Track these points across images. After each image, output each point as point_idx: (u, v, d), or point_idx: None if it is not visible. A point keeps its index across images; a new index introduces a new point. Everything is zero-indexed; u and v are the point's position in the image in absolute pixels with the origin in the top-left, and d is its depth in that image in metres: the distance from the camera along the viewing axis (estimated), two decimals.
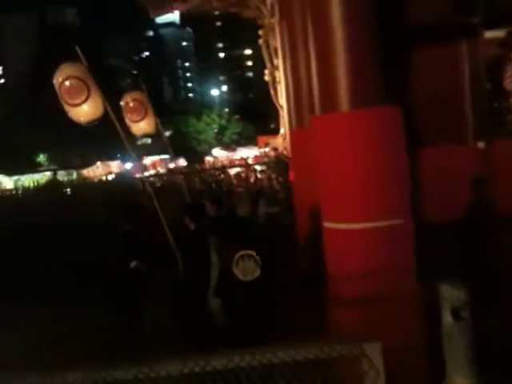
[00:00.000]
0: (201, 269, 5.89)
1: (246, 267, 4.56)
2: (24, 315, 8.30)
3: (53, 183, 23.73)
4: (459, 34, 6.70)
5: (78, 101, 6.61)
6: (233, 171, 21.24)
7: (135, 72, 77.26)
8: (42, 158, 49.30)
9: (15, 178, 36.42)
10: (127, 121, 8.37)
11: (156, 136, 10.22)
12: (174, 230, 6.97)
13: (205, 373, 2.06)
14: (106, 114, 6.92)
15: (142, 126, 8.25)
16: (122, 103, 8.22)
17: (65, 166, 41.84)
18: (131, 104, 8.17)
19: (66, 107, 6.72)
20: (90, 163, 39.86)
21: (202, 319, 5.90)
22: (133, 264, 6.88)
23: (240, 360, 2.05)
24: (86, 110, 6.71)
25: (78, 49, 6.62)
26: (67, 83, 6.60)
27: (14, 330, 7.68)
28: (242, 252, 4.57)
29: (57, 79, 6.64)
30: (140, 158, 42.54)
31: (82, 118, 6.78)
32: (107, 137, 7.39)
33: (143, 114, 8.18)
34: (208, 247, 5.97)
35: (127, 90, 9.39)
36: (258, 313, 4.56)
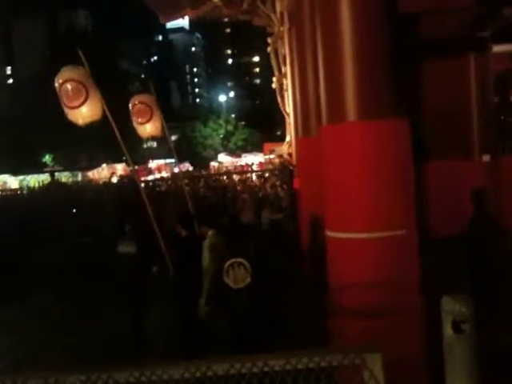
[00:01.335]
0: (192, 275, 5.95)
1: (237, 275, 4.58)
2: (25, 317, 8.36)
3: (52, 185, 23.73)
4: (468, 47, 6.74)
5: (76, 103, 6.74)
6: (237, 177, 21.26)
7: (144, 76, 77.60)
8: (47, 158, 49.49)
9: (20, 177, 36.58)
10: (134, 123, 8.45)
11: (162, 140, 10.28)
12: (171, 235, 7.03)
13: (206, 378, 2.07)
14: (113, 117, 7.00)
15: (147, 128, 8.32)
16: (130, 105, 8.32)
17: (70, 168, 41.99)
18: (138, 106, 8.25)
19: (65, 109, 6.85)
20: (95, 165, 40.00)
21: (192, 325, 5.94)
22: (154, 269, 6.93)
23: (241, 366, 2.06)
24: (84, 113, 6.84)
25: (80, 52, 6.73)
26: (67, 86, 6.73)
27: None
28: (232, 260, 4.60)
29: (57, 81, 6.77)
30: (146, 162, 42.70)
31: (81, 121, 6.91)
32: (114, 139, 7.43)
33: (149, 116, 8.25)
34: (199, 255, 6.02)
35: (136, 93, 9.47)
36: (256, 320, 4.57)
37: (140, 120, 8.31)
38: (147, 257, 6.91)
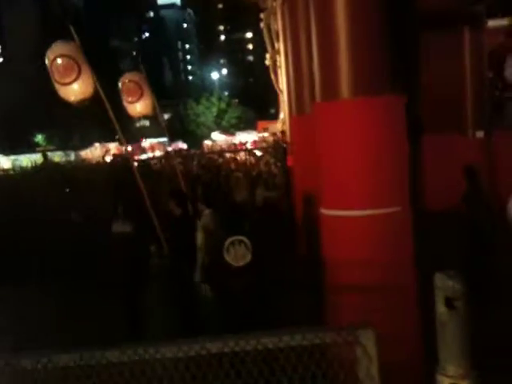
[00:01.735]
0: (186, 254, 5.96)
1: (237, 253, 4.59)
2: (23, 297, 8.37)
3: (45, 165, 23.44)
4: (462, 22, 6.66)
5: (68, 79, 6.61)
6: (231, 155, 21.19)
7: (135, 53, 76.74)
8: (40, 138, 49.13)
9: (13, 157, 36.34)
10: (124, 102, 8.36)
11: (154, 118, 10.18)
12: (165, 214, 7.01)
13: (200, 357, 2.07)
14: (105, 95, 6.91)
15: (137, 107, 8.23)
16: (119, 84, 8.20)
17: (63, 147, 41.73)
18: (127, 85, 8.13)
19: (57, 86, 6.72)
20: (88, 144, 39.75)
21: (189, 304, 5.97)
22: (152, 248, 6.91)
23: (235, 344, 2.07)
24: (75, 89, 6.70)
25: (71, 27, 6.61)
26: (58, 61, 6.59)
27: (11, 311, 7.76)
28: (233, 238, 4.60)
29: (48, 57, 6.63)
30: (139, 141, 42.46)
31: (72, 97, 6.78)
32: (106, 118, 7.35)
33: (139, 95, 8.15)
34: (193, 232, 6.03)
35: (126, 71, 9.35)
36: (254, 298, 4.60)
37: (130, 99, 8.21)
38: (142, 236, 6.89)
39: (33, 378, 2.21)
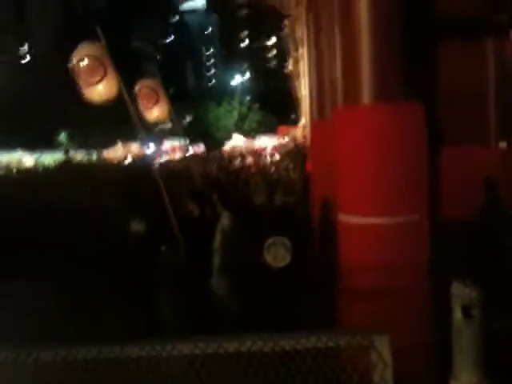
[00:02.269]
0: (203, 255, 6.00)
1: (278, 254, 4.63)
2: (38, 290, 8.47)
3: (66, 163, 23.64)
4: (486, 30, 6.61)
5: (93, 80, 6.68)
6: (251, 159, 21.24)
7: (158, 56, 77.41)
8: (63, 136, 49.71)
9: (36, 155, 36.79)
10: (140, 107, 8.43)
11: (176, 120, 10.27)
12: (183, 215, 7.06)
13: (217, 355, 2.10)
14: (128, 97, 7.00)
15: (154, 112, 8.29)
16: (136, 89, 8.24)
17: (85, 146, 42.15)
18: (143, 91, 8.18)
19: (82, 86, 6.79)
20: (109, 144, 40.08)
21: (205, 303, 6.00)
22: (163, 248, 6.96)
23: (252, 345, 2.09)
24: (100, 90, 6.77)
25: (98, 28, 6.68)
26: (84, 62, 6.66)
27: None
28: (274, 238, 4.65)
29: (74, 58, 6.71)
30: (160, 142, 42.70)
31: (97, 98, 6.85)
32: (128, 118, 7.45)
33: (155, 100, 8.21)
34: (211, 234, 6.07)
35: (149, 74, 9.47)
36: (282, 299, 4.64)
37: (146, 104, 8.28)
38: (157, 236, 6.95)
39: (52, 371, 2.27)
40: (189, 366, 2.13)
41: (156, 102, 8.27)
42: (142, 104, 8.36)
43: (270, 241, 4.64)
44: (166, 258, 6.95)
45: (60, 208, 11.62)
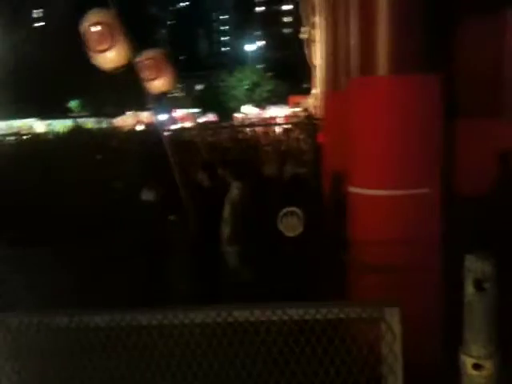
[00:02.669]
0: (212, 225, 6.04)
1: (289, 223, 4.75)
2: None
3: (75, 131, 23.61)
4: (505, 3, 6.44)
5: (102, 47, 6.62)
6: (261, 129, 21.12)
7: (170, 22, 76.59)
8: (73, 104, 49.73)
9: (47, 122, 36.89)
10: (143, 80, 8.30)
11: (188, 90, 10.17)
12: (194, 185, 7.09)
13: (227, 324, 2.13)
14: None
15: (157, 84, 8.11)
16: (137, 60, 7.99)
17: (96, 114, 42.18)
18: (146, 62, 7.96)
19: (91, 53, 6.74)
20: (121, 112, 40.06)
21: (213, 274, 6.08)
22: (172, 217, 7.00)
23: (261, 314, 2.11)
24: (110, 57, 6.72)
25: None
26: (93, 29, 6.60)
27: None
28: (287, 209, 4.78)
29: (83, 24, 6.65)
30: (171, 111, 42.62)
31: (107, 65, 6.80)
32: (139, 86, 7.42)
33: (157, 72, 8.04)
34: (221, 204, 6.10)
35: (160, 41, 9.33)
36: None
37: (149, 76, 8.14)
38: (168, 205, 6.99)
39: (66, 337, 2.30)
40: (200, 334, 2.16)
41: (159, 74, 8.13)
42: (144, 75, 8.25)
43: (282, 212, 4.77)
44: (173, 227, 7.01)
45: (68, 177, 11.67)
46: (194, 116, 41.98)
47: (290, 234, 4.85)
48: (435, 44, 4.36)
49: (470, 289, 1.76)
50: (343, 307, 2.10)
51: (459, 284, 1.89)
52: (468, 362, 1.84)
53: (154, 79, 8.08)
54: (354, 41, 4.61)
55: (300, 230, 4.83)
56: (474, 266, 1.74)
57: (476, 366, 1.83)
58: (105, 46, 6.60)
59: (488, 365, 1.81)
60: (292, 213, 4.84)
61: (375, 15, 4.28)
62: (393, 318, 2.07)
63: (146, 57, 8.10)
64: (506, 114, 6.07)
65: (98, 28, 6.63)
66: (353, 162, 4.72)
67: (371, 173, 4.49)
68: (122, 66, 6.94)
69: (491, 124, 5.72)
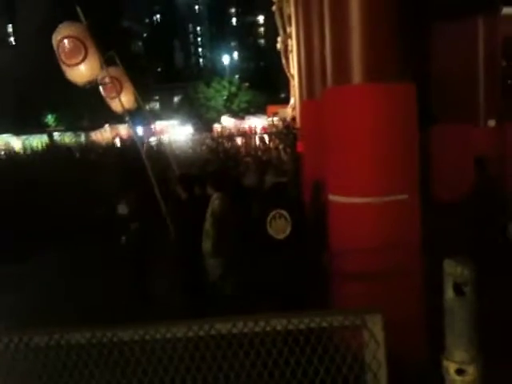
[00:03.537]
0: (192, 237, 6.01)
1: (279, 225, 4.80)
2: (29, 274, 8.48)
3: (51, 146, 23.29)
4: (476, 9, 6.58)
5: (74, 61, 6.56)
6: (241, 140, 21.17)
7: (146, 35, 76.47)
8: (50, 118, 49.15)
9: (23, 137, 36.38)
10: (105, 98, 8.24)
11: (165, 101, 10.15)
12: (173, 198, 7.10)
13: (210, 337, 2.11)
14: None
15: (119, 103, 7.99)
16: (98, 79, 7.85)
17: (73, 128, 41.72)
18: (105, 80, 7.82)
19: (63, 67, 6.67)
20: (98, 126, 39.70)
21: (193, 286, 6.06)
22: (133, 225, 7.00)
23: (244, 326, 2.10)
24: (82, 71, 6.66)
25: (78, 8, 6.57)
26: (65, 43, 6.54)
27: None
28: (274, 212, 4.82)
29: (55, 38, 6.59)
30: (149, 123, 42.40)
31: (79, 79, 6.75)
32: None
33: (118, 89, 7.95)
34: (200, 216, 6.09)
35: (136, 53, 9.30)
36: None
37: (111, 95, 8.07)
38: (142, 220, 7.01)
39: (45, 355, 2.26)
40: (183, 348, 2.13)
41: (120, 92, 8.04)
42: (106, 95, 8.18)
43: (271, 214, 4.84)
44: (132, 236, 7.01)
45: (47, 192, 11.55)
46: (172, 128, 41.80)
47: (280, 237, 4.89)
48: (409, 52, 4.42)
49: (449, 293, 1.77)
50: (325, 316, 2.10)
51: (440, 289, 1.90)
52: (451, 367, 1.84)
53: (114, 97, 8.00)
54: (328, 50, 4.65)
55: (289, 230, 4.86)
56: (454, 270, 1.75)
57: (459, 372, 1.83)
58: (77, 60, 6.55)
59: (471, 370, 1.82)
60: (280, 215, 4.90)
61: (348, 25, 4.32)
62: (375, 325, 2.07)
63: (106, 75, 7.99)
64: (478, 118, 6.19)
65: (70, 42, 6.58)
66: (330, 170, 4.75)
67: (348, 180, 4.52)
68: (94, 81, 6.91)
69: (466, 130, 5.82)
